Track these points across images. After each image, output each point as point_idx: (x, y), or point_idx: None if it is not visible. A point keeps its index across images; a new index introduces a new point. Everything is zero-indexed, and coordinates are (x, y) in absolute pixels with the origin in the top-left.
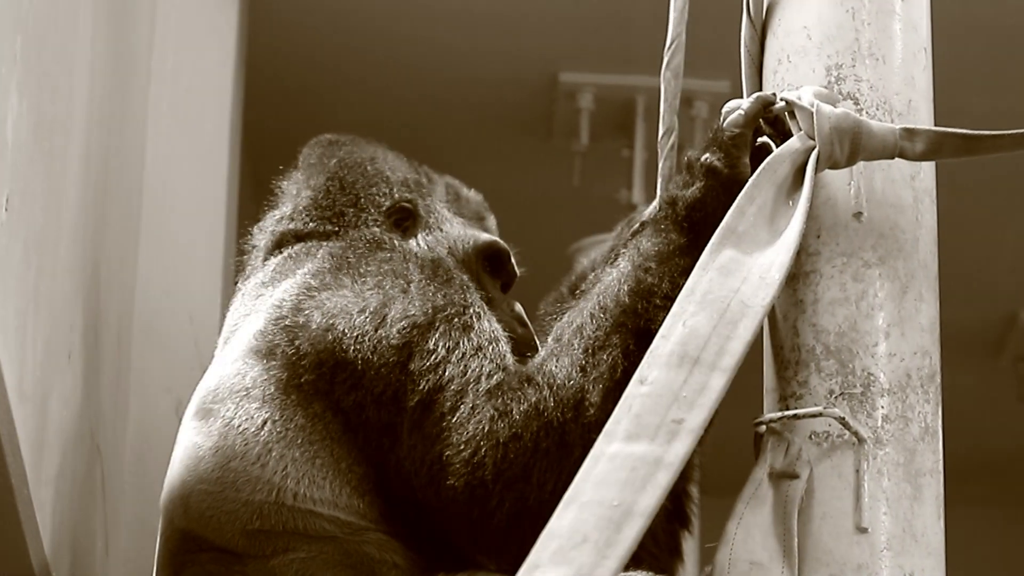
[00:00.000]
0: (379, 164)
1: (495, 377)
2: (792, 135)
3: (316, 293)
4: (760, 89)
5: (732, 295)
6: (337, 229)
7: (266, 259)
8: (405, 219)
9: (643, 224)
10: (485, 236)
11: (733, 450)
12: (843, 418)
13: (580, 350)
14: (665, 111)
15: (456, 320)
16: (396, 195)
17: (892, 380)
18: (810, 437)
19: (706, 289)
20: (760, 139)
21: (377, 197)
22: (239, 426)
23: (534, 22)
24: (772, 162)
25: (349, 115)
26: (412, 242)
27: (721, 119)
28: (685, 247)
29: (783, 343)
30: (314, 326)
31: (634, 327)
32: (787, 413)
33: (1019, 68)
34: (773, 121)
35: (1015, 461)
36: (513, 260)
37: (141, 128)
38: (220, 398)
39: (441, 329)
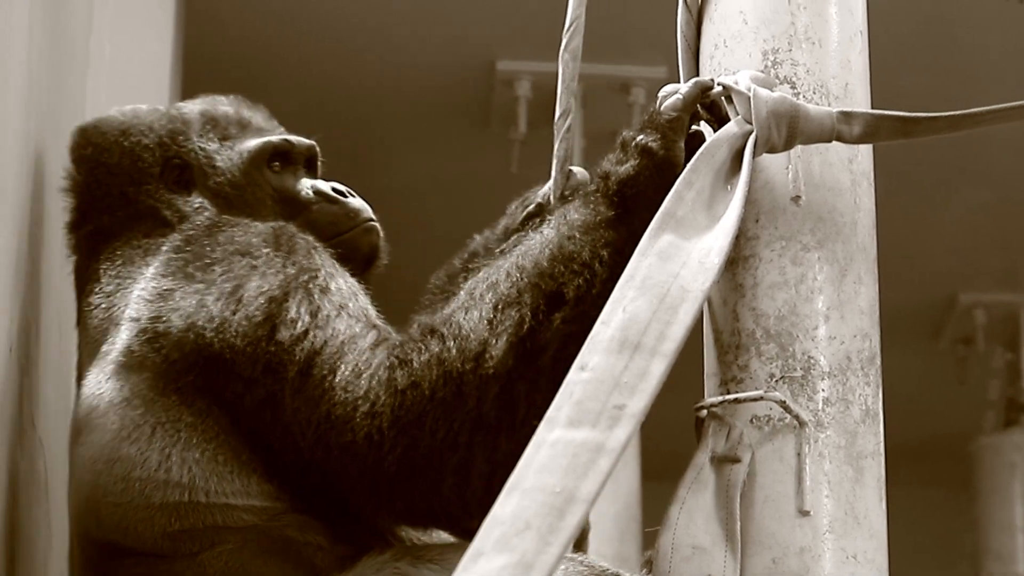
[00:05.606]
0: (132, 134)
1: (370, 335)
2: (729, 120)
3: (169, 295)
4: (697, 74)
5: (672, 280)
6: (132, 212)
7: (88, 265)
8: (183, 175)
9: (540, 206)
10: (252, 143)
11: (675, 435)
12: (784, 401)
13: (490, 305)
14: (562, 93)
15: (311, 284)
16: (160, 157)
17: (832, 363)
18: (751, 421)
19: (645, 275)
20: (695, 126)
21: (146, 168)
22: (130, 436)
23: (471, 11)
24: (710, 147)
25: (287, 102)
26: (195, 197)
27: (658, 103)
28: (611, 220)
29: (723, 327)
30: (175, 331)
31: (547, 289)
32: (728, 397)
33: (954, 50)
34: (710, 106)
35: (955, 442)
36: (297, 138)
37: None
38: (102, 412)
39: (299, 297)
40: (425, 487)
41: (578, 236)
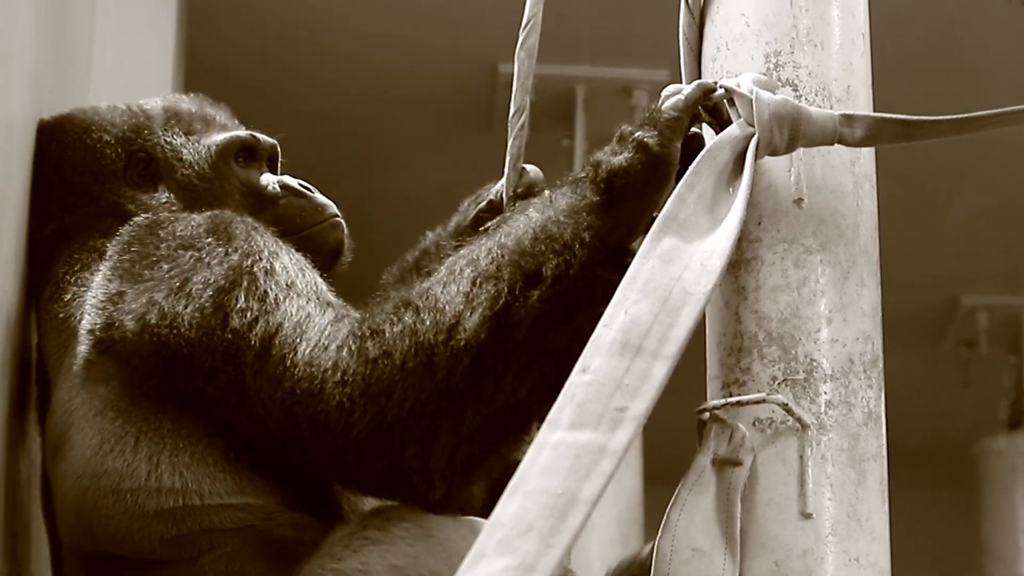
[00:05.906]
0: (95, 130)
1: (328, 312)
2: (731, 122)
3: (120, 299)
4: (699, 77)
5: (674, 283)
6: (95, 210)
7: (48, 266)
8: (148, 169)
9: (492, 203)
10: (220, 137)
11: (677, 438)
12: (786, 404)
13: (469, 279)
14: (517, 91)
15: (255, 268)
16: (123, 152)
17: (835, 366)
18: (754, 424)
19: (648, 277)
20: (694, 128)
21: (108, 164)
22: (113, 449)
23: (473, 14)
24: (712, 150)
25: (289, 108)
26: (161, 191)
27: (660, 102)
28: (596, 206)
29: (725, 330)
30: (131, 335)
31: (526, 267)
32: (730, 400)
33: (956, 53)
34: (712, 109)
35: (958, 445)
36: (262, 136)
37: None
38: (78, 428)
39: (245, 283)
40: (391, 456)
41: (562, 219)
